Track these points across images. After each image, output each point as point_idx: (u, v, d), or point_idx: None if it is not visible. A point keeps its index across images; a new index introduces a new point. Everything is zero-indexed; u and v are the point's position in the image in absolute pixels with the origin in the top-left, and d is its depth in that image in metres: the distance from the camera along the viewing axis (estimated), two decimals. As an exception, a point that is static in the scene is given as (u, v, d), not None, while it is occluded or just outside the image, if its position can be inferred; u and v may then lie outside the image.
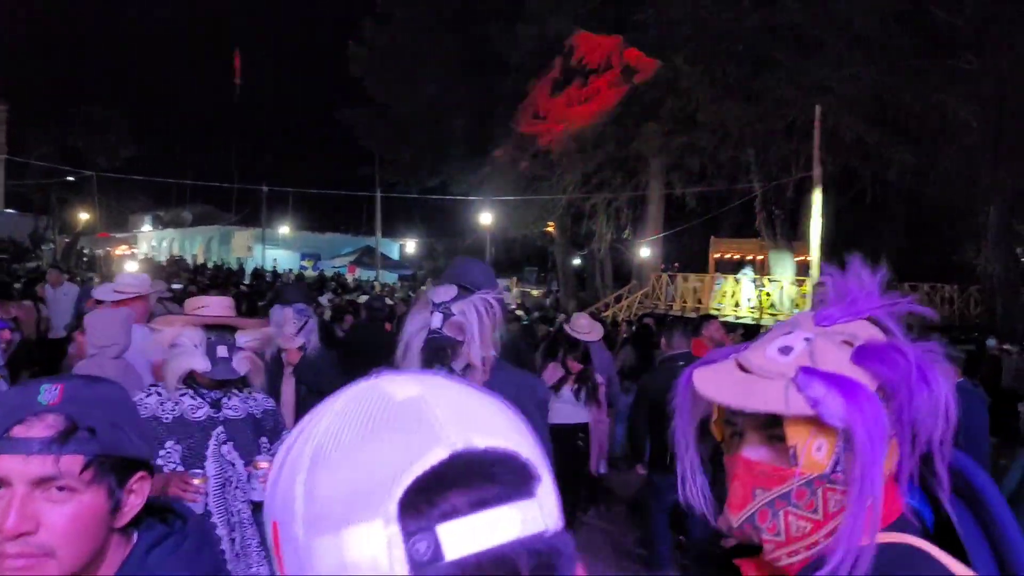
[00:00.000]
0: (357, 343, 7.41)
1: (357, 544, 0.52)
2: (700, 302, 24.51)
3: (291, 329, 4.76)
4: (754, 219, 24.96)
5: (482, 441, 0.55)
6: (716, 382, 1.05)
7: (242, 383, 2.90)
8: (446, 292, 2.71)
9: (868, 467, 0.94)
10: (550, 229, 30.64)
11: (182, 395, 2.79)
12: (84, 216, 40.52)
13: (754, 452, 1.04)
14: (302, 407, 4.76)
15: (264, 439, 2.87)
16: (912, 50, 20.06)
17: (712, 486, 1.17)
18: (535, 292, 39.64)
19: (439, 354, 2.75)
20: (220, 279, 28.25)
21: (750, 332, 20.82)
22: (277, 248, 44.01)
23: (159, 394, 2.80)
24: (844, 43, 19.97)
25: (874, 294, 1.08)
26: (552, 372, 6.34)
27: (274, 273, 36.27)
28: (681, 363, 6.52)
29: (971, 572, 0.95)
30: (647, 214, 27.60)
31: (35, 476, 1.09)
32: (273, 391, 4.72)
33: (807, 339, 1.04)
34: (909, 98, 20.11)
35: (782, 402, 0.98)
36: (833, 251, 28.96)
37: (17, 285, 14.29)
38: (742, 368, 1.05)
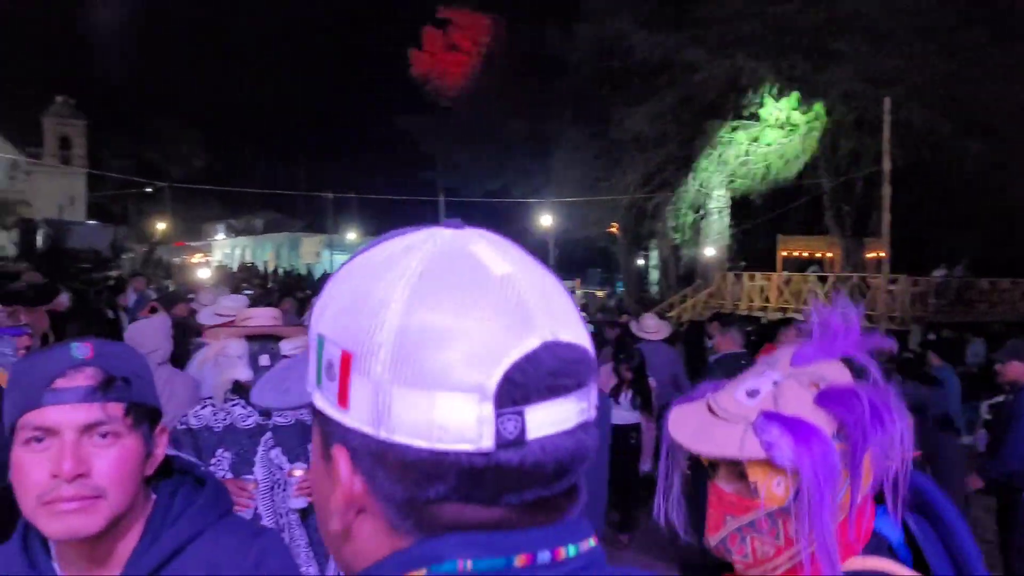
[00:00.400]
0: None
1: (449, 409, 0.55)
2: (767, 301, 24.06)
3: None
4: (822, 216, 24.43)
5: (565, 335, 0.58)
6: (683, 423, 1.17)
7: None
8: None
9: (815, 504, 1.03)
10: (613, 230, 30.45)
11: (233, 405, 2.84)
12: (160, 226, 41.87)
13: (725, 484, 1.14)
14: None
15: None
16: (986, 38, 19.41)
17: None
18: (599, 293, 39.44)
19: None
20: (290, 285, 28.85)
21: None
22: (344, 253, 44.68)
23: (213, 406, 2.87)
24: (913, 33, 19.39)
25: (853, 332, 1.17)
26: (606, 378, 6.42)
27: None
28: (743, 362, 6.46)
29: None
30: (711, 212, 27.19)
31: (84, 423, 1.16)
32: None
33: (776, 382, 1.13)
34: (983, 88, 19.44)
35: (737, 447, 1.09)
36: (905, 247, 28.25)
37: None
38: (711, 410, 1.15)
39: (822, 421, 1.07)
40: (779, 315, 22.77)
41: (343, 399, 0.59)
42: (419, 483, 0.56)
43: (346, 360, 0.58)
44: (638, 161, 25.65)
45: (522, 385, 0.55)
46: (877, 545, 1.07)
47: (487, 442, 0.55)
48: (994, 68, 19.29)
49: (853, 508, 1.09)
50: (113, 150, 39.78)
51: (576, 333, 0.60)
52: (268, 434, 2.84)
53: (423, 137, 32.45)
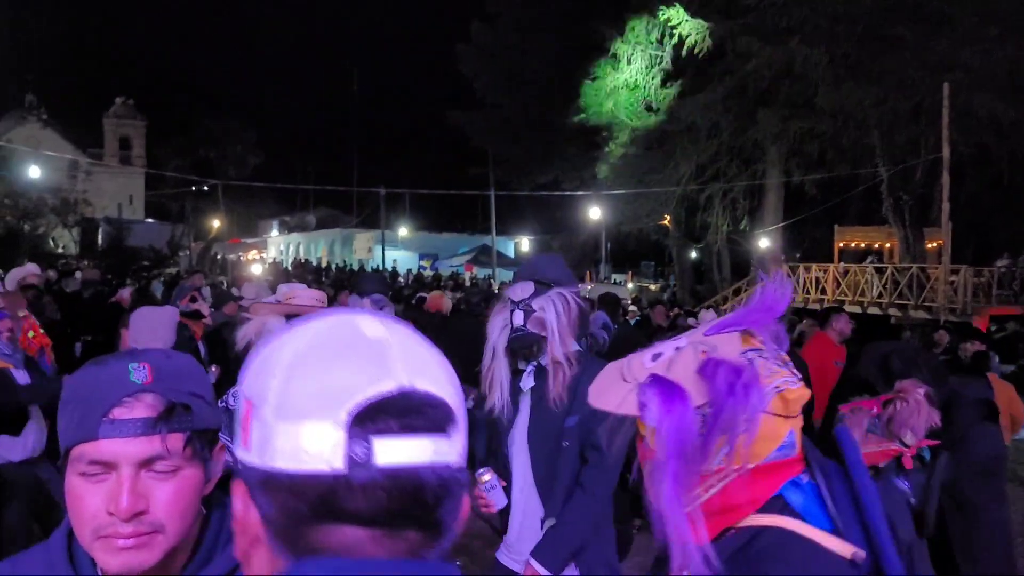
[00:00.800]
0: (456, 334, 7.59)
1: (311, 435, 0.66)
2: (824, 293, 23.65)
3: None
4: (880, 206, 23.86)
5: (423, 385, 0.69)
6: (597, 384, 1.27)
7: None
8: (523, 289, 2.75)
9: (658, 464, 1.11)
10: (666, 222, 30.19)
11: None
12: (215, 223, 42.71)
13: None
14: None
15: None
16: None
17: None
18: (652, 287, 39.17)
19: (524, 352, 2.80)
20: (343, 280, 29.19)
21: (876, 324, 19.99)
22: (396, 249, 45.06)
23: None
24: (974, 17, 18.79)
25: (775, 307, 1.22)
26: None
27: (393, 273, 37.28)
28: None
29: (841, 545, 1.07)
30: (765, 204, 26.77)
31: (143, 457, 1.11)
32: None
33: (677, 348, 1.21)
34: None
35: (617, 404, 1.20)
36: (968, 237, 27.48)
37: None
38: (621, 373, 1.24)
39: (696, 389, 1.13)
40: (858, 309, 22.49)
41: (245, 440, 0.71)
42: (288, 504, 0.66)
43: (248, 408, 0.71)
44: (690, 152, 25.35)
45: (374, 418, 0.66)
46: (774, 506, 1.12)
47: (339, 463, 0.65)
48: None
49: (735, 474, 1.13)
50: (170, 149, 40.65)
51: (436, 386, 0.70)
52: None
53: (473, 132, 32.50)
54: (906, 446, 3.10)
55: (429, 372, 0.71)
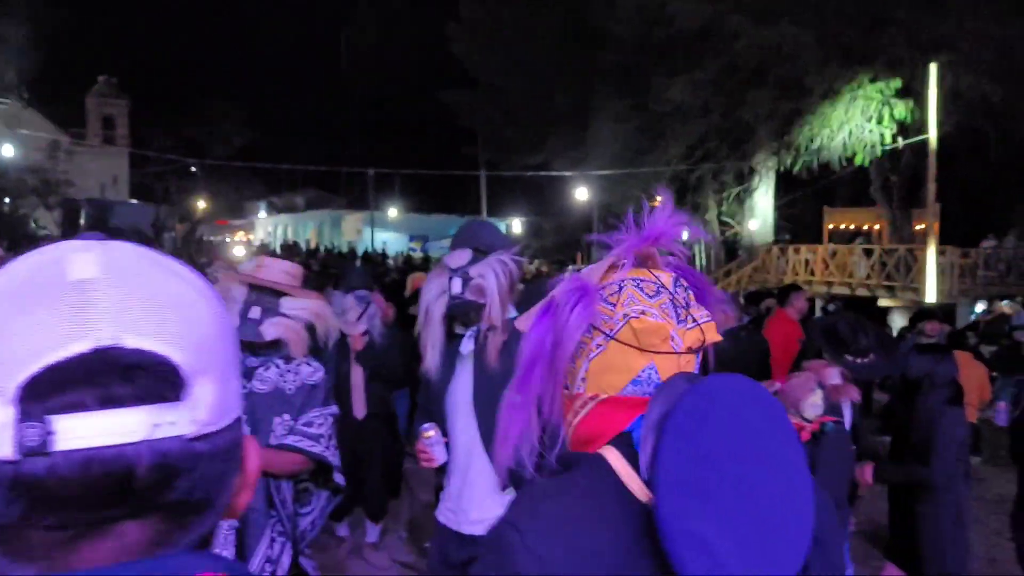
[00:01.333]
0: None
1: None
2: (813, 274, 23.69)
3: (353, 315, 4.92)
4: (869, 188, 23.86)
5: (134, 341, 0.55)
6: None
7: (273, 349, 2.75)
8: (461, 256, 2.76)
9: (518, 369, 1.12)
10: (656, 204, 30.03)
11: None
12: (201, 204, 42.40)
13: None
14: (368, 387, 5.10)
15: (286, 415, 2.72)
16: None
17: None
18: (642, 268, 39.14)
19: (462, 318, 2.86)
20: (332, 262, 29.04)
21: (864, 305, 20.02)
22: (386, 231, 44.93)
23: None
24: (965, -3, 18.75)
25: (654, 235, 1.18)
26: None
27: (383, 255, 37.16)
28: (743, 333, 6.38)
29: (641, 484, 1.00)
30: (755, 185, 26.76)
31: None
32: (336, 375, 5.00)
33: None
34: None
35: (520, 322, 1.22)
36: (957, 219, 27.52)
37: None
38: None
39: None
40: (824, 289, 22.53)
41: None
42: None
43: None
44: (680, 133, 25.27)
45: (56, 390, 0.52)
46: (621, 441, 1.07)
47: (5, 449, 0.51)
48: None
49: (592, 403, 1.11)
50: (155, 129, 40.22)
51: (156, 341, 0.56)
52: None
53: (463, 112, 32.31)
54: (808, 421, 3.19)
55: (151, 321, 0.56)
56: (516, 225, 49.09)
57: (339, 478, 2.90)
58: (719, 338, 1.15)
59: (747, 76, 21.93)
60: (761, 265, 26.04)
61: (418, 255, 38.23)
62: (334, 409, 2.86)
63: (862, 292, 21.78)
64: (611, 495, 1.01)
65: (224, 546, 2.56)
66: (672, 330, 1.10)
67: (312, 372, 2.81)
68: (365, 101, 58.91)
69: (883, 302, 21.08)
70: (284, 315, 2.72)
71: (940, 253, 20.42)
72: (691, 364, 1.13)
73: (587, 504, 1.01)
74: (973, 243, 22.33)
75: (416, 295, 8.62)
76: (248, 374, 2.69)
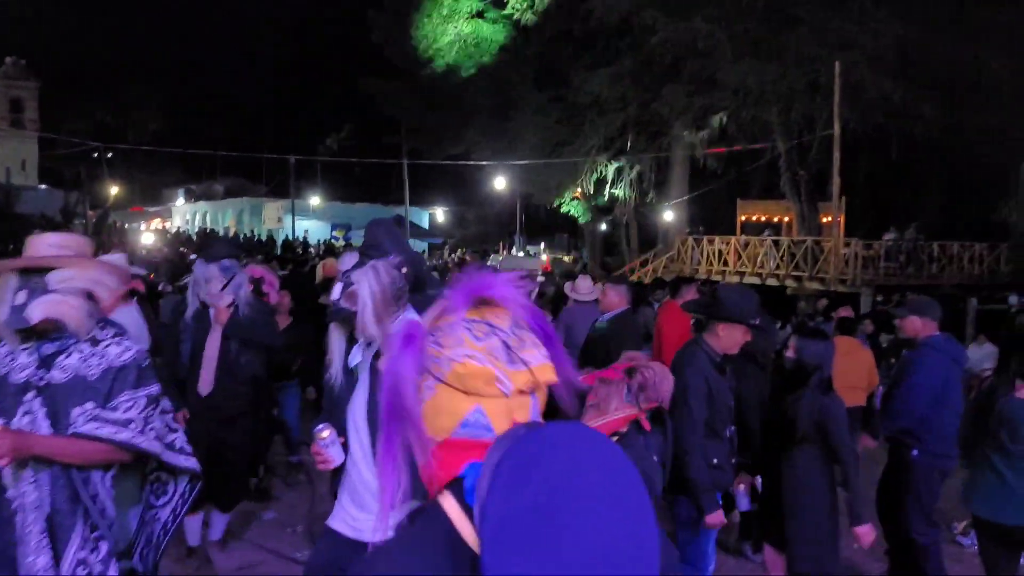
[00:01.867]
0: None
1: None
2: (726, 265, 24.34)
3: (216, 286, 4.63)
4: (780, 181, 24.61)
5: None
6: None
7: (49, 329, 2.44)
8: (350, 259, 2.69)
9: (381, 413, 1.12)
10: (577, 195, 30.53)
11: (23, 350, 2.45)
12: (113, 190, 41.15)
13: None
14: (235, 364, 4.73)
15: (90, 404, 2.42)
16: (942, 2, 19.59)
17: None
18: (566, 258, 39.62)
19: (346, 326, 2.70)
20: (253, 250, 28.55)
21: (773, 294, 20.69)
22: (308, 219, 44.32)
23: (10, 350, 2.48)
24: (867, -2, 19.49)
25: (474, 290, 1.16)
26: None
27: (304, 243, 36.69)
28: (624, 316, 6.57)
29: (472, 532, 0.97)
30: (671, 177, 27.37)
31: None
32: (194, 347, 4.74)
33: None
34: (938, 51, 19.57)
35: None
36: (862, 212, 28.63)
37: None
38: None
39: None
40: (737, 278, 23.19)
41: None
42: None
43: None
44: (598, 125, 25.64)
45: None
46: (455, 486, 1.05)
47: None
48: (949, 32, 19.43)
49: (433, 446, 1.10)
50: (66, 112, 38.81)
51: None
52: (31, 393, 2.42)
53: (386, 100, 32.05)
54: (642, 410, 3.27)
55: None
56: (439, 214, 49.03)
57: (183, 461, 2.70)
58: (555, 379, 1.13)
59: (663, 71, 22.38)
60: (676, 255, 26.64)
61: (340, 244, 37.88)
62: (152, 389, 2.56)
63: (772, 282, 22.48)
64: (444, 544, 0.99)
65: (37, 551, 2.35)
66: (499, 372, 1.08)
67: (121, 352, 2.51)
68: (287, 89, 57.85)
69: (792, 291, 21.83)
70: (54, 291, 2.41)
71: (845, 244, 21.22)
72: (525, 406, 1.11)
73: (422, 557, 0.99)
74: (876, 236, 23.25)
75: (327, 283, 8.53)
76: (46, 363, 2.43)
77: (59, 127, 38.79)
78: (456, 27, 25.89)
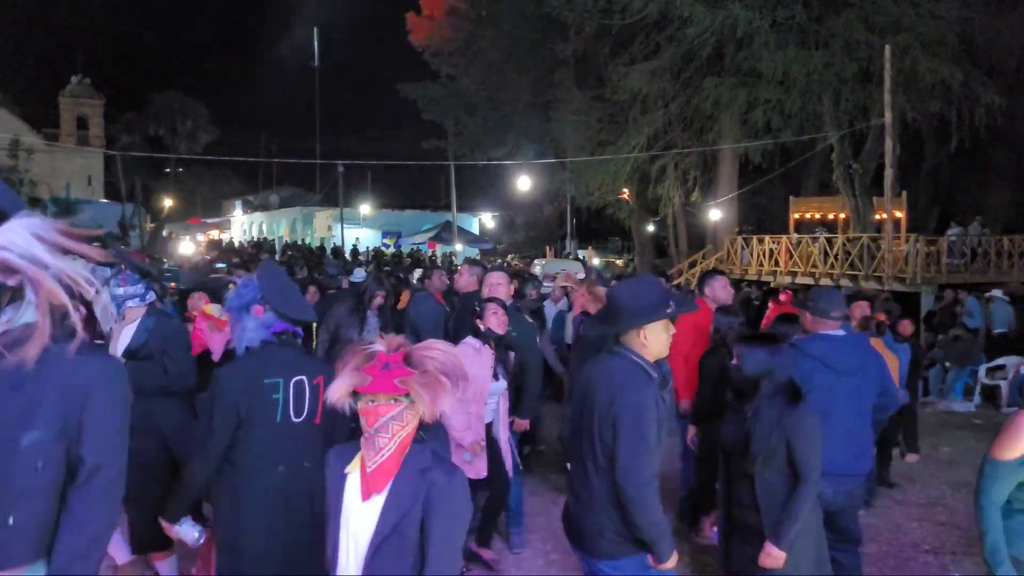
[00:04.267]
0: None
1: None
2: (777, 265, 23.25)
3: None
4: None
5: None
6: None
7: None
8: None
9: None
10: (625, 196, 29.70)
11: None
12: (168, 202, 41.88)
13: None
14: None
15: None
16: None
17: None
18: (619, 262, 38.81)
19: None
20: (303, 259, 28.50)
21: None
22: (358, 227, 44.38)
23: None
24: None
25: None
26: None
27: (354, 251, 36.69)
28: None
29: None
30: (719, 174, 26.28)
31: None
32: None
33: None
34: (1003, 34, 18.28)
35: None
36: (923, 206, 27.12)
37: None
38: None
39: None
40: (788, 279, 22.07)
41: None
42: None
43: None
44: (641, 123, 24.79)
45: None
46: None
47: None
48: (1017, 12, 18.16)
49: None
50: (121, 127, 39.67)
51: None
52: None
53: (426, 105, 31.76)
54: None
55: None
56: (488, 220, 48.65)
57: None
58: None
59: (704, 63, 21.45)
60: (726, 256, 25.60)
61: (389, 252, 37.78)
62: None
63: (825, 281, 21.31)
64: None
65: None
66: None
67: None
68: (336, 98, 58.36)
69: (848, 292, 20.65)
70: None
71: (904, 240, 19.97)
72: None
73: None
74: (942, 232, 21.92)
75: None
76: None
77: (115, 141, 39.61)
78: None
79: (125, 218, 38.18)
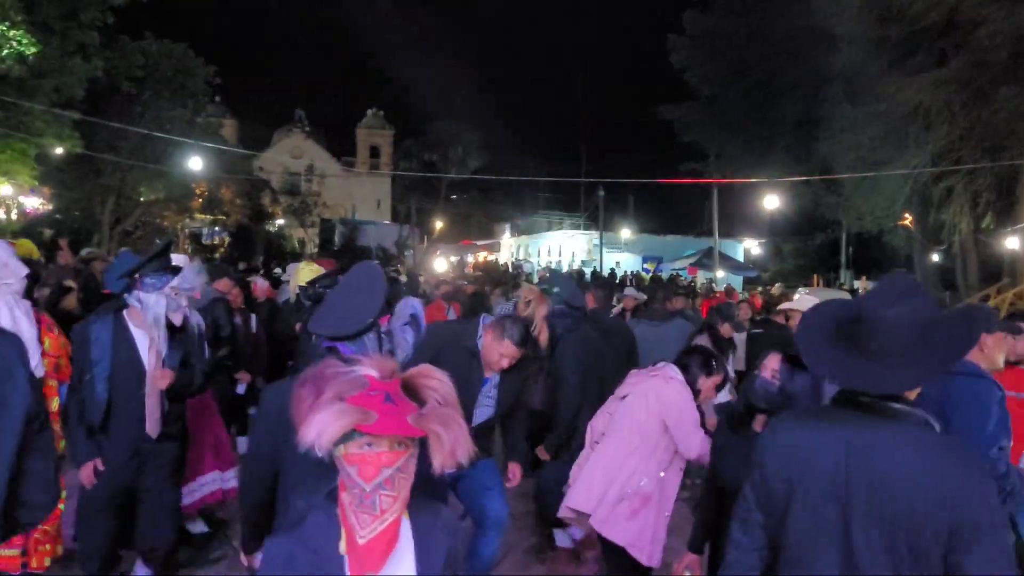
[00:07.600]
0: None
1: None
2: (1091, 302, 19.86)
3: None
4: None
5: None
6: None
7: None
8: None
9: None
10: (906, 222, 27.04)
11: None
12: (438, 224, 44.53)
13: None
14: None
15: None
16: None
17: None
18: (899, 294, 35.41)
19: None
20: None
21: None
22: (616, 250, 44.38)
23: None
24: None
25: None
26: None
27: (612, 273, 36.64)
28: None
29: None
30: (1019, 197, 22.97)
31: None
32: None
33: None
34: None
35: None
36: None
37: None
38: None
39: None
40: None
41: None
42: None
43: None
44: (923, 140, 22.34)
45: None
46: None
47: None
48: None
49: None
50: (399, 154, 43.08)
51: None
52: None
53: (685, 127, 31.05)
54: None
55: None
56: (754, 248, 46.53)
57: None
58: None
59: (997, 71, 18.89)
60: (1024, 292, 22.29)
61: (647, 276, 37.35)
62: None
63: None
64: None
65: None
66: None
67: None
68: (598, 122, 59.33)
69: None
70: None
71: None
72: None
73: None
74: None
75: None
76: None
77: (395, 167, 43.04)
78: None
79: (401, 238, 41.10)
